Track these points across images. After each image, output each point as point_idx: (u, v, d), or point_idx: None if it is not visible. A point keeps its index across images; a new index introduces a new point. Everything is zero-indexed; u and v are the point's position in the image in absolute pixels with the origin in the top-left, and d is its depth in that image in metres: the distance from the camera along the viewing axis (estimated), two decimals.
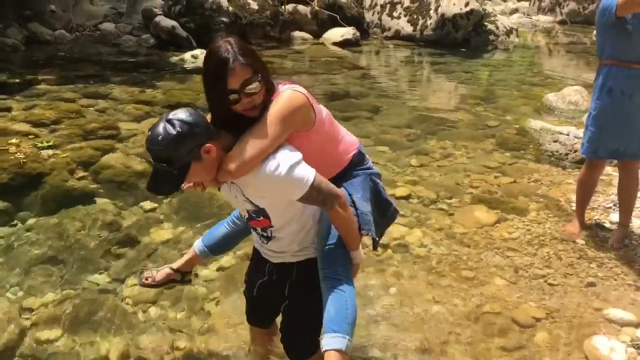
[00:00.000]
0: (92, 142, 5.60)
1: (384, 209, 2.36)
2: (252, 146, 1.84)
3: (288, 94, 1.93)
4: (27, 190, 4.54)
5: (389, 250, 3.89)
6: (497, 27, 14.32)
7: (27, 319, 3.15)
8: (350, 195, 2.17)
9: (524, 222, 4.27)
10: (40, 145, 5.31)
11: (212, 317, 3.22)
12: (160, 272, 2.68)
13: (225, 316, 3.21)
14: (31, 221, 4.16)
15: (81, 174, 4.93)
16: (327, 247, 2.10)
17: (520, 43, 14.83)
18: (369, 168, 2.30)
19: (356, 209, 2.15)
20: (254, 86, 1.85)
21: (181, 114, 1.84)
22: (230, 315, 3.20)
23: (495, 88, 9.32)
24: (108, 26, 13.46)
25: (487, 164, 5.54)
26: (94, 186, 4.77)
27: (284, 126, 1.90)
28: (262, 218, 2.08)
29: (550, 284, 3.47)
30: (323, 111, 2.11)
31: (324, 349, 1.93)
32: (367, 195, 2.23)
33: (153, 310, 3.28)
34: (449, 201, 4.68)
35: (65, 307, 3.26)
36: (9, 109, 6.50)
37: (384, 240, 3.90)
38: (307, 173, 1.89)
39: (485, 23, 14.12)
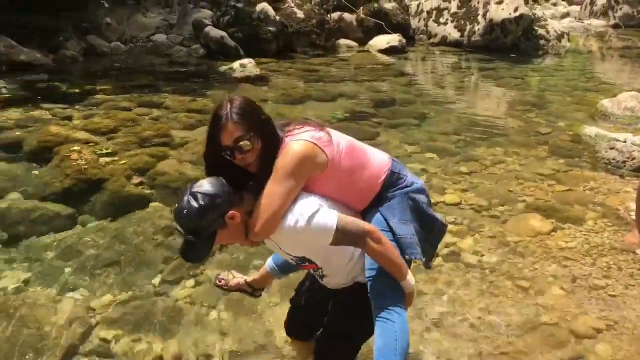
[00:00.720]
0: (147, 149, 5.78)
1: (429, 226, 2.28)
2: (267, 207, 1.92)
3: (291, 148, 1.97)
4: (88, 195, 4.73)
5: (440, 258, 3.86)
6: (548, 32, 14.02)
7: (91, 317, 3.27)
8: (386, 220, 2.14)
9: (580, 231, 4.16)
10: (99, 152, 5.53)
11: (269, 324, 3.26)
12: (234, 280, 2.73)
13: (281, 324, 3.25)
14: (92, 225, 4.33)
15: (138, 180, 5.09)
16: (373, 278, 2.07)
17: (572, 48, 14.46)
18: (405, 186, 2.22)
19: (394, 234, 2.12)
20: (245, 145, 1.92)
21: (204, 186, 1.92)
22: (281, 318, 3.23)
23: (547, 94, 9.11)
24: (160, 37, 13.90)
25: (541, 171, 5.43)
26: (150, 191, 4.92)
27: (292, 180, 1.94)
28: (307, 263, 2.14)
29: (610, 295, 3.37)
30: (340, 143, 2.10)
31: None
32: (406, 217, 2.17)
33: (208, 313, 3.35)
34: (501, 208, 4.61)
35: (124, 308, 3.38)
36: (69, 118, 6.81)
37: None
38: (328, 219, 1.92)
39: (535, 28, 13.85)
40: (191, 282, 3.67)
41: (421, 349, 2.95)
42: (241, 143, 1.92)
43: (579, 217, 4.37)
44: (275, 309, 3.38)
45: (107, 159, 5.42)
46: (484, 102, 9.28)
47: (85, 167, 5.05)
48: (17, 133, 6.09)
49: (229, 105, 1.94)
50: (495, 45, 13.15)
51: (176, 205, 1.96)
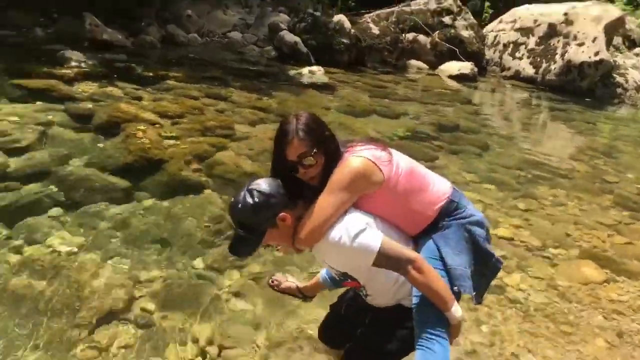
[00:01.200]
0: (209, 138, 5.92)
1: (484, 261, 2.21)
2: (316, 216, 1.97)
3: (349, 163, 2.01)
4: (147, 174, 4.88)
5: None
6: (627, 81, 13.54)
7: (133, 289, 3.38)
8: (438, 248, 2.11)
9: (635, 286, 3.97)
10: (163, 134, 5.70)
11: (303, 322, 3.26)
12: (287, 283, 2.79)
13: (316, 325, 3.25)
14: (147, 202, 4.46)
15: (196, 166, 5.22)
16: (418, 305, 2.05)
17: None
18: (464, 217, 2.17)
19: (445, 264, 2.08)
20: (309, 160, 1.99)
21: (261, 184, 2.00)
22: (318, 317, 3.23)
23: (618, 143, 8.78)
24: (236, 35, 14.28)
25: (602, 220, 5.22)
26: (206, 179, 5.03)
27: (345, 194, 1.98)
28: (349, 280, 2.15)
29: None
30: (400, 165, 2.10)
31: None
32: (459, 248, 2.13)
33: (244, 304, 3.39)
34: (554, 251, 4.46)
35: (167, 285, 3.47)
36: (140, 99, 7.07)
37: None
38: (372, 240, 1.93)
39: (614, 75, 13.39)
40: (235, 273, 3.71)
41: None
42: (305, 159, 1.99)
43: (636, 271, 4.17)
44: (312, 310, 3.38)
45: (170, 142, 5.59)
46: (551, 142, 9.03)
47: (149, 146, 5.22)
48: (89, 106, 6.36)
49: (295, 121, 2.00)
50: (570, 87, 12.80)
51: (232, 199, 2.03)
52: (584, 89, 12.84)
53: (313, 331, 3.14)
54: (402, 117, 8.72)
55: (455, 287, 2.07)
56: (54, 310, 3.09)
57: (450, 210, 2.16)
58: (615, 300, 3.77)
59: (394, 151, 2.14)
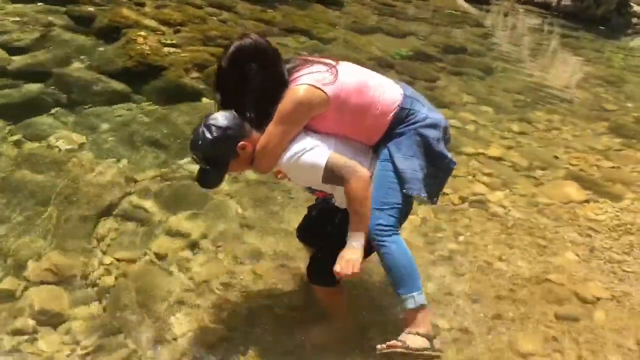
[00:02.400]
0: (210, 48, 5.90)
1: (437, 162, 2.30)
2: (264, 145, 2.14)
3: (291, 92, 2.14)
4: (146, 79, 4.93)
5: (466, 204, 3.92)
6: None
7: (129, 186, 3.54)
8: (390, 154, 2.22)
9: (614, 207, 4.11)
10: (164, 41, 5.69)
11: (287, 223, 3.43)
12: None
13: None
14: (145, 106, 4.56)
15: (195, 74, 5.25)
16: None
17: None
18: (416, 122, 2.24)
19: (395, 167, 2.19)
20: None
21: (218, 118, 2.13)
22: None
23: (625, 73, 8.68)
24: None
25: (593, 145, 5.30)
26: (204, 87, 5.07)
27: (288, 123, 2.13)
28: (317, 191, 2.33)
29: (624, 270, 3.38)
30: (348, 81, 2.19)
31: (403, 312, 2.23)
32: (411, 152, 2.22)
33: (235, 206, 3.56)
34: (541, 172, 4.58)
35: (162, 184, 3.64)
36: (142, 5, 6.94)
37: (463, 193, 3.96)
38: (318, 159, 2.09)
39: (632, 4, 12.96)
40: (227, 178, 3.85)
41: (423, 280, 3.07)
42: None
43: (617, 194, 4.30)
44: (292, 211, 3.54)
45: (170, 49, 5.58)
46: (557, 68, 8.93)
47: (148, 52, 5.23)
48: (90, 9, 6.28)
49: (230, 49, 2.20)
50: (585, 14, 12.43)
51: (192, 136, 2.17)
52: (598, 16, 12.48)
53: (292, 229, 3.34)
54: (408, 37, 8.59)
55: (405, 190, 2.20)
56: (52, 201, 3.27)
57: (402, 117, 2.25)
58: (593, 219, 3.92)
59: (342, 67, 2.24)
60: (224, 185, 3.73)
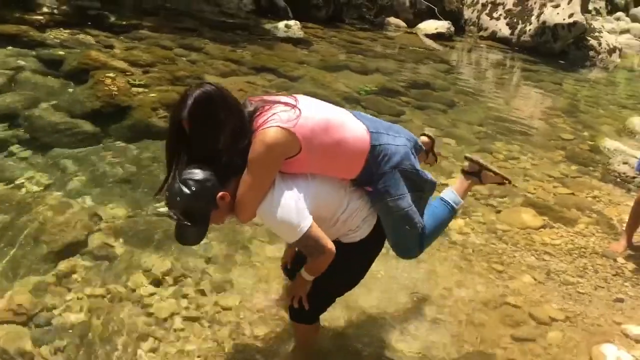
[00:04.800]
0: (178, 87, 6.00)
1: (421, 187, 2.43)
2: (242, 196, 2.08)
3: (259, 138, 2.04)
4: (114, 119, 5.02)
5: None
6: (600, 44, 13.72)
7: (95, 224, 3.59)
8: (384, 200, 2.30)
9: (569, 232, 4.29)
10: (132, 82, 5.80)
11: (254, 256, 3.52)
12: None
13: (265, 257, 3.50)
14: (113, 146, 4.64)
15: (163, 113, 5.34)
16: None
17: (622, 65, 14.13)
18: (390, 158, 2.28)
19: (393, 211, 2.32)
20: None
21: (193, 171, 2.03)
22: (270, 257, 3.49)
23: (581, 104, 9.06)
24: None
25: (550, 173, 5.52)
26: None
27: (263, 170, 2.06)
28: None
29: (578, 292, 3.53)
30: (315, 119, 2.13)
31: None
32: (398, 192, 2.30)
33: (203, 241, 3.60)
34: (500, 199, 4.75)
35: (129, 222, 3.68)
36: (111, 47, 7.10)
37: None
38: (300, 222, 2.06)
39: (588, 38, 13.57)
40: None
41: (386, 303, 3.17)
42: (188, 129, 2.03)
43: (572, 219, 4.49)
44: (264, 248, 3.63)
45: (139, 90, 5.69)
46: (517, 101, 9.26)
47: (116, 93, 5.33)
48: (60, 52, 6.40)
49: (189, 102, 2.01)
50: (543, 48, 12.96)
51: (167, 193, 2.09)
52: (556, 51, 13.02)
53: (260, 265, 3.42)
54: (374, 74, 8.85)
55: (407, 227, 2.38)
56: (18, 242, 3.29)
57: (375, 155, 2.25)
58: (548, 244, 4.08)
59: (302, 104, 2.16)
60: None
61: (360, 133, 2.25)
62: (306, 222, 2.07)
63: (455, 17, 14.42)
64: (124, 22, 8.66)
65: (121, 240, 3.49)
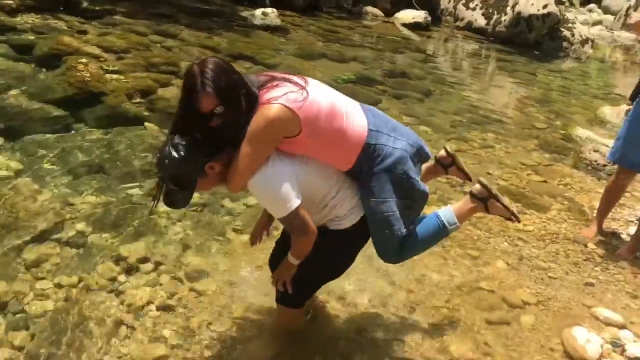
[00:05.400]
0: (153, 74, 5.96)
1: (410, 195, 2.39)
2: (237, 167, 2.07)
3: (262, 111, 2.04)
4: (87, 105, 4.95)
5: None
6: (573, 35, 13.94)
7: (67, 212, 3.53)
8: (366, 200, 2.32)
9: (541, 218, 4.36)
10: (106, 68, 5.71)
11: (230, 243, 3.50)
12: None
13: (241, 245, 3.49)
14: (86, 133, 4.56)
15: (138, 100, 5.30)
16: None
17: (594, 55, 14.39)
18: (383, 159, 2.27)
19: (373, 213, 2.32)
20: (218, 111, 2.00)
21: (186, 137, 2.04)
22: (246, 244, 3.47)
23: (555, 93, 9.20)
24: None
25: (524, 161, 5.59)
26: (147, 113, 5.12)
27: (261, 144, 2.06)
28: None
29: (550, 277, 3.59)
30: (321, 104, 2.12)
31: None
32: (383, 195, 2.29)
33: (177, 228, 3.59)
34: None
35: (101, 209, 3.63)
36: (84, 32, 6.97)
37: None
38: (288, 201, 2.08)
39: (562, 29, 13.75)
40: None
41: (361, 289, 3.18)
42: (217, 110, 2.00)
43: (545, 206, 4.56)
44: (240, 235, 3.61)
45: (113, 76, 5.61)
46: (492, 90, 9.37)
47: (89, 79, 5.24)
48: (31, 37, 6.27)
49: (201, 73, 1.98)
50: (518, 39, 13.11)
51: (157, 155, 2.09)
52: (531, 41, 13.18)
53: (235, 253, 3.41)
54: (352, 62, 8.86)
55: (388, 231, 2.36)
56: None
57: (368, 154, 2.24)
58: (522, 230, 4.14)
59: (313, 87, 2.16)
60: (165, 208, 3.77)
61: (359, 128, 2.24)
62: (296, 200, 2.10)
63: (432, 7, 14.50)
64: (97, 8, 8.51)
65: (94, 227, 3.43)
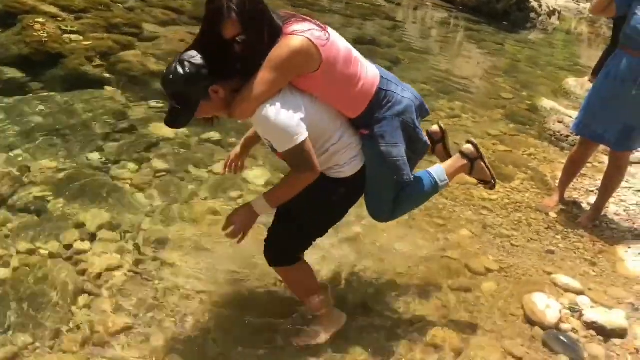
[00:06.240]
0: (114, 35, 5.74)
1: (414, 146, 2.41)
2: (250, 91, 2.00)
3: (289, 41, 2.00)
4: (44, 67, 4.74)
5: None
6: (540, 6, 14.01)
7: (25, 177, 3.40)
8: (378, 144, 2.25)
9: (505, 187, 4.42)
10: (64, 28, 5.47)
11: (195, 211, 3.44)
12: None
13: (207, 213, 3.44)
14: (43, 94, 4.39)
15: (98, 62, 5.11)
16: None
17: (561, 27, 14.52)
18: (394, 106, 2.27)
19: (385, 157, 2.26)
20: (243, 39, 1.95)
21: (194, 55, 1.99)
22: (212, 212, 3.44)
23: (521, 64, 9.26)
24: None
25: (490, 131, 5.64)
26: (108, 76, 4.95)
27: (281, 73, 2.01)
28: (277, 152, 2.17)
29: (512, 244, 3.66)
30: (340, 48, 2.13)
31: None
32: (395, 139, 2.27)
33: (138, 195, 3.52)
34: None
35: (60, 174, 3.53)
36: None
37: None
38: (297, 132, 2.02)
39: (530, 0, 13.80)
40: (132, 165, 3.80)
41: (326, 259, 3.18)
42: (239, 38, 1.96)
43: (509, 175, 4.62)
44: (206, 204, 3.56)
45: (72, 37, 5.38)
46: (460, 60, 9.37)
47: (46, 39, 5.02)
48: None
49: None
50: (486, 8, 13.08)
51: (165, 70, 2.04)
52: (499, 11, 13.15)
53: (200, 221, 3.36)
54: None
55: (396, 177, 2.33)
56: None
57: (380, 99, 2.25)
58: (486, 199, 4.19)
59: (332, 32, 2.16)
60: (130, 175, 3.69)
61: (372, 74, 2.27)
62: (304, 134, 2.04)
63: None
64: None
65: (53, 193, 3.33)
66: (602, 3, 3.62)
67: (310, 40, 2.01)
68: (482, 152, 2.72)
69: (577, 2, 19.46)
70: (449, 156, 2.86)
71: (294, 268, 2.46)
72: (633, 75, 3.49)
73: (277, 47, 2.01)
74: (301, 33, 2.02)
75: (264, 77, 2.00)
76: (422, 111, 2.48)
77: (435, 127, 2.89)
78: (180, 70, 1.97)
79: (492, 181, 2.77)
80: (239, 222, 2.21)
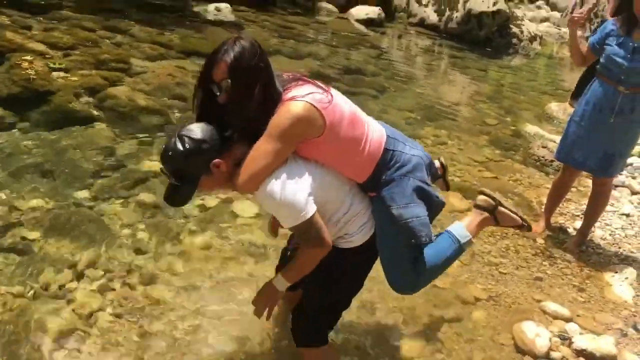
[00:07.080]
0: (102, 71, 5.77)
1: (428, 204, 2.24)
2: (253, 163, 1.93)
3: (288, 108, 1.93)
4: (32, 105, 4.75)
5: None
6: (522, 32, 14.31)
7: (12, 216, 3.40)
8: (388, 207, 2.14)
9: None
10: (52, 65, 5.50)
11: (185, 246, 3.45)
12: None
13: (197, 248, 3.45)
14: (30, 133, 4.39)
15: (86, 99, 5.13)
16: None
17: (542, 52, 14.81)
18: (402, 165, 2.17)
19: (397, 220, 2.14)
20: (225, 84, 1.92)
21: (193, 130, 1.94)
22: (202, 247, 3.44)
23: (504, 90, 9.43)
24: None
25: (475, 157, 5.71)
26: (97, 113, 4.97)
27: (283, 141, 1.92)
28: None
29: (500, 272, 3.69)
30: (344, 110, 2.05)
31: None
32: (404, 200, 2.14)
33: (127, 231, 3.51)
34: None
35: (49, 213, 3.51)
36: (29, 28, 6.68)
37: None
38: (307, 209, 1.93)
39: (511, 26, 14.10)
40: (120, 201, 3.81)
41: None
42: (224, 81, 1.92)
43: None
44: (195, 238, 3.56)
45: (60, 74, 5.41)
46: (445, 87, 9.52)
47: (34, 77, 5.04)
48: None
49: (232, 44, 1.93)
50: (469, 36, 13.35)
51: (163, 146, 1.98)
52: (481, 38, 13.43)
53: (191, 256, 3.36)
54: (307, 59, 8.83)
55: (414, 241, 2.19)
56: None
57: (387, 160, 2.15)
58: None
59: (335, 93, 2.09)
60: (118, 210, 3.70)
61: (378, 134, 2.18)
62: (312, 209, 1.96)
63: (386, 3, 14.57)
64: (42, 2, 8.18)
65: (41, 233, 3.32)
66: (579, 56, 3.76)
67: (311, 104, 1.93)
68: (498, 196, 2.55)
69: (558, 26, 19.87)
70: (448, 189, 2.80)
71: (320, 351, 2.37)
72: (610, 104, 3.59)
73: (276, 115, 1.93)
74: (301, 98, 1.94)
75: (265, 148, 1.92)
76: (432, 170, 2.38)
77: (437, 164, 2.76)
78: (179, 146, 1.91)
79: (525, 223, 2.55)
80: (264, 302, 2.18)
